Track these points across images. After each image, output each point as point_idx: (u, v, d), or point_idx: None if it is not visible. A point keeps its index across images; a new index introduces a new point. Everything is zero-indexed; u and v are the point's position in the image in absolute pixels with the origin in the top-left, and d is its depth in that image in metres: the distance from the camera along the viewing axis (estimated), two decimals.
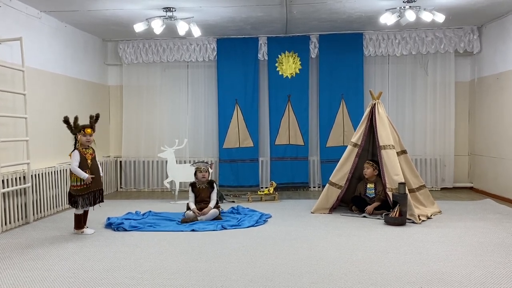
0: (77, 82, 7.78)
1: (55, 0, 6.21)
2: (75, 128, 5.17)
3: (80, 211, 5.23)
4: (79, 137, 5.19)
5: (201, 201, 6.01)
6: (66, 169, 6.95)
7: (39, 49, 6.67)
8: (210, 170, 6.28)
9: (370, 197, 6.25)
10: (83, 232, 5.26)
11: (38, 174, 6.24)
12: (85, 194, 5.18)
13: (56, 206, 6.67)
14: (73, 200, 5.16)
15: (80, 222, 5.28)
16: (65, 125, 5.18)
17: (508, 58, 7.21)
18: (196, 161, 6.59)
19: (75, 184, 5.15)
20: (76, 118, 5.20)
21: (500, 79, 7.47)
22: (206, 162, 6.36)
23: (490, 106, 7.79)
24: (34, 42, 6.53)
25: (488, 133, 7.85)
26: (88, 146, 5.25)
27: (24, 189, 5.90)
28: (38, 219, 6.15)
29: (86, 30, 7.98)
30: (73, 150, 5.17)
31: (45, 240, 5.01)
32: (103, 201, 5.39)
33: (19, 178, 5.80)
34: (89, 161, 5.19)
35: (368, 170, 6.25)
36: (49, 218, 6.22)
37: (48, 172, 6.50)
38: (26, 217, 5.93)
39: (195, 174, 6.14)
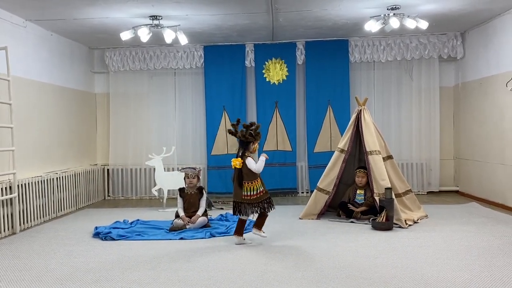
0: (63, 91, 7.75)
1: (41, 9, 6.19)
2: (256, 135, 5.03)
3: (246, 217, 5.06)
4: (255, 145, 5.05)
5: (190, 207, 5.97)
6: (52, 179, 6.90)
7: (25, 58, 6.64)
8: (199, 176, 6.26)
9: (359, 203, 6.29)
10: (245, 239, 5.10)
11: (24, 184, 6.19)
12: (267, 198, 5.04)
13: (43, 216, 6.60)
14: (266, 205, 4.99)
15: (243, 228, 5.13)
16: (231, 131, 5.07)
17: (491, 64, 7.35)
18: (184, 167, 6.56)
19: (258, 191, 4.98)
20: (258, 126, 5.07)
21: (483, 84, 7.60)
22: (194, 168, 6.34)
23: (474, 110, 7.91)
24: (20, 51, 6.50)
25: (473, 137, 7.98)
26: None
27: (11, 199, 5.85)
28: (25, 230, 6.08)
29: (72, 38, 7.95)
30: (246, 157, 4.97)
31: (32, 251, 4.96)
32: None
33: (5, 188, 5.74)
34: None
35: (364, 179, 6.28)
36: (36, 228, 6.16)
37: (35, 182, 6.44)
38: (12, 227, 5.86)
39: (184, 179, 6.14)
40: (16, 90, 6.19)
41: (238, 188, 5.03)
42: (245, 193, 4.98)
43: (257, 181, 5.02)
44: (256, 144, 5.08)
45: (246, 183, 4.99)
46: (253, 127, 5.05)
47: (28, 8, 6.14)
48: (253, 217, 5.13)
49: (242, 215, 5.04)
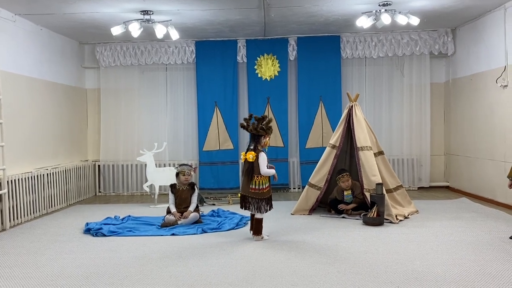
0: (54, 86, 7.68)
1: (30, 3, 6.12)
2: (268, 129, 5.00)
3: (263, 216, 5.03)
4: (267, 138, 5.03)
5: (181, 203, 5.96)
6: (43, 175, 6.85)
7: (15, 53, 6.56)
8: (193, 174, 6.26)
9: (348, 202, 6.29)
10: (263, 237, 5.07)
11: (14, 180, 6.14)
12: (270, 197, 5.04)
13: (33, 212, 6.56)
14: (263, 205, 4.96)
15: (261, 226, 5.07)
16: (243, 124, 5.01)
17: (481, 60, 7.39)
18: (180, 164, 6.53)
19: (264, 186, 4.97)
20: (270, 120, 5.06)
21: (473, 80, 7.64)
22: (190, 166, 6.33)
23: (465, 106, 7.96)
24: (9, 46, 6.43)
25: (463, 133, 8.03)
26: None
27: (0, 195, 5.80)
28: (15, 226, 6.04)
29: (62, 33, 7.88)
30: (259, 151, 4.94)
31: (22, 248, 4.93)
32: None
33: None
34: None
35: (349, 182, 6.26)
36: (26, 225, 6.12)
37: (25, 178, 6.39)
38: (2, 224, 5.82)
39: (177, 176, 6.10)
40: (6, 85, 6.13)
41: (247, 181, 5.00)
42: (253, 186, 4.95)
43: (265, 175, 5.00)
44: (268, 138, 5.04)
45: (256, 177, 4.95)
46: (265, 121, 5.02)
47: (17, 2, 6.06)
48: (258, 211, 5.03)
49: (251, 210, 4.99)
